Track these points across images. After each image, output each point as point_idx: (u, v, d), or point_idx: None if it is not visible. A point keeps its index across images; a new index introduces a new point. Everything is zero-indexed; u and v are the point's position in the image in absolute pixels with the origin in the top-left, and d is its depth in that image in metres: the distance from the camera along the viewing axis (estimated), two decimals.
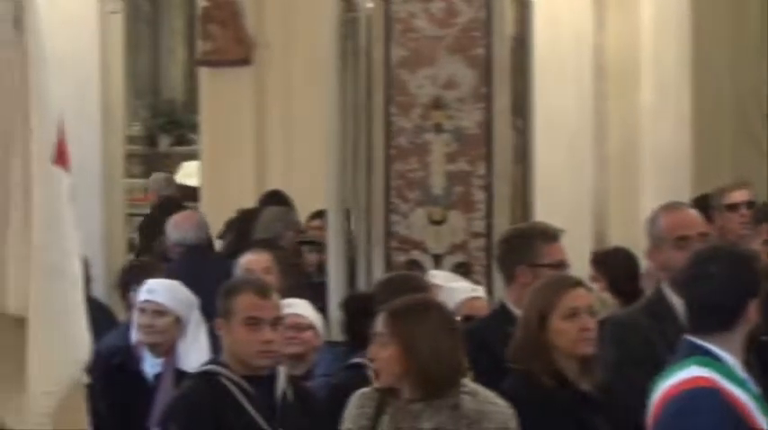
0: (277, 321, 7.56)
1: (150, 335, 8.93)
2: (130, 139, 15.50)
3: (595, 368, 7.03)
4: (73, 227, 5.52)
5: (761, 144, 12.28)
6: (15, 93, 5.28)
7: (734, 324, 5.70)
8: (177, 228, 12.38)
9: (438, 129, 9.81)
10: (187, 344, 9.04)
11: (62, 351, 5.35)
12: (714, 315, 5.77)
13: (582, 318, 6.98)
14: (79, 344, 5.49)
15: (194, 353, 8.85)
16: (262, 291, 7.70)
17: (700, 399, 5.66)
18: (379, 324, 6.58)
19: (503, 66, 9.67)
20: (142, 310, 8.97)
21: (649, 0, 11.00)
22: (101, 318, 10.40)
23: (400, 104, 9.90)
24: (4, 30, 5.38)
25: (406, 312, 6.67)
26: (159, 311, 8.84)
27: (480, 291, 8.75)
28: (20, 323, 5.31)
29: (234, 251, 11.79)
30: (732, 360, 5.68)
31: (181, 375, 8.66)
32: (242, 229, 13.32)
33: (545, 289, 7.22)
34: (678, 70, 11.25)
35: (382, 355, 6.49)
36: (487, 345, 6.77)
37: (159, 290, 8.94)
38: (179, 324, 8.99)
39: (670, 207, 8.58)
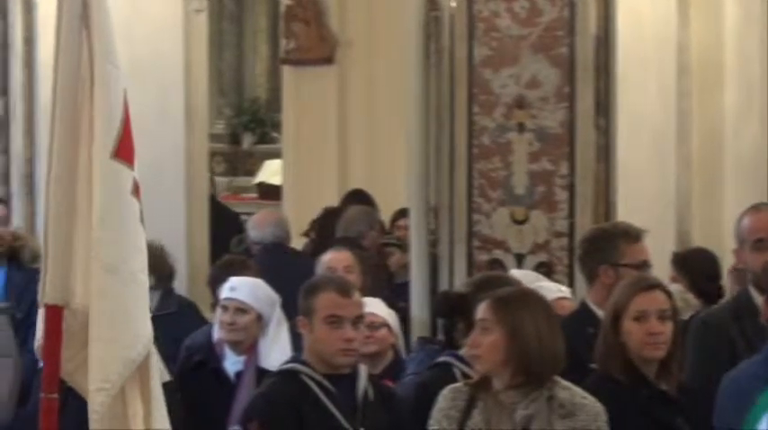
0: (358, 320, 7.60)
1: (232, 333, 8.96)
2: (214, 137, 15.62)
3: (674, 368, 7.03)
4: (136, 222, 5.51)
5: None
6: (73, 84, 5.31)
7: None
8: (256, 227, 12.44)
9: (521, 128, 9.82)
10: (268, 341, 9.04)
11: (115, 348, 5.36)
12: None
13: (650, 322, 6.97)
14: (133, 342, 5.48)
15: (275, 352, 8.87)
16: (343, 289, 7.73)
17: None
18: (482, 311, 6.63)
19: (586, 65, 9.67)
20: (224, 308, 9.01)
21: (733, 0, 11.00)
22: (188, 314, 10.48)
23: (483, 104, 9.91)
24: (71, 28, 5.41)
25: (510, 299, 6.74)
26: (241, 309, 8.86)
27: (567, 292, 8.73)
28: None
29: (316, 250, 11.83)
30: None
31: (262, 373, 8.62)
32: (325, 228, 13.36)
33: (621, 289, 7.24)
34: (763, 69, 11.22)
35: (485, 342, 6.53)
36: (569, 345, 6.71)
37: (241, 287, 8.98)
38: (260, 322, 8.99)
39: (755, 208, 8.56)
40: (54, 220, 5.31)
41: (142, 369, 5.44)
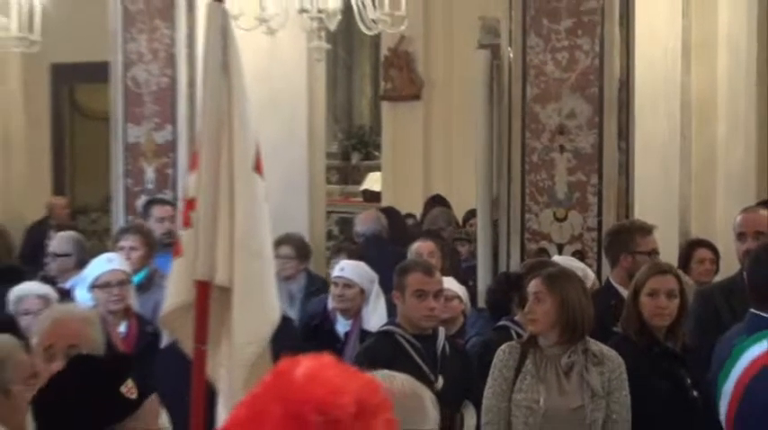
0: (439, 293, 7.65)
1: (341, 303, 8.98)
2: (330, 155, 15.64)
3: (679, 332, 7.08)
4: (267, 218, 5.61)
5: None
6: (217, 115, 5.39)
7: None
8: (361, 223, 12.45)
9: (561, 149, 9.83)
10: (369, 309, 9.08)
11: (258, 313, 5.45)
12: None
13: (659, 298, 6.99)
14: (271, 308, 5.59)
15: (375, 317, 8.90)
16: (428, 270, 7.82)
17: (757, 374, 5.54)
18: (536, 286, 6.76)
19: (611, 101, 9.67)
20: (335, 283, 9.06)
21: (725, 52, 10.94)
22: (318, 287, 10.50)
23: (533, 130, 9.94)
24: (215, 72, 5.49)
25: (558, 276, 6.88)
26: (348, 284, 8.92)
27: (590, 272, 8.69)
28: (224, 291, 5.41)
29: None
30: None
31: (364, 334, 8.74)
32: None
33: (641, 272, 7.29)
34: (748, 105, 11.19)
35: (540, 309, 6.65)
36: (597, 314, 6.78)
37: (348, 268, 9.06)
38: (363, 294, 9.01)
39: (744, 210, 8.61)
40: (204, 218, 5.39)
41: None
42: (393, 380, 3.69)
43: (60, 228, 12.32)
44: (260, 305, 5.47)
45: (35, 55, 14.54)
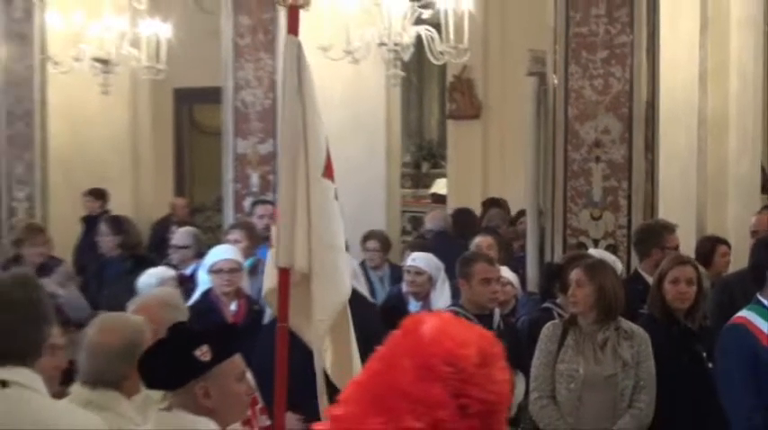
0: (498, 280, 7.81)
1: (413, 287, 8.97)
2: (404, 165, 15.62)
3: (698, 314, 7.09)
4: (338, 215, 5.65)
5: None
6: (294, 129, 5.42)
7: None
8: (430, 221, 12.45)
9: (597, 159, 9.80)
10: (437, 293, 9.01)
11: (331, 295, 5.47)
12: (760, 279, 5.88)
13: (679, 285, 6.98)
14: (341, 291, 5.60)
15: (441, 300, 8.87)
16: (490, 261, 7.98)
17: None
18: (577, 274, 6.79)
19: (639, 119, 9.64)
20: (408, 271, 9.09)
21: (735, 78, 10.82)
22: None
23: (573, 144, 9.91)
24: (291, 97, 5.52)
25: (596, 266, 6.92)
26: (419, 272, 8.93)
27: (619, 263, 8.63)
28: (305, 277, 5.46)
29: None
30: None
31: None
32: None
33: (665, 262, 7.30)
34: (756, 123, 11.14)
35: (581, 294, 6.67)
36: (626, 297, 6.81)
37: (418, 258, 9.07)
38: (431, 280, 8.99)
39: (760, 212, 8.98)
40: (284, 215, 5.46)
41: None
42: None
43: (181, 224, 12.40)
44: (332, 288, 5.50)
45: (161, 81, 14.65)
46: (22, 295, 3.78)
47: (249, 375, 4.59)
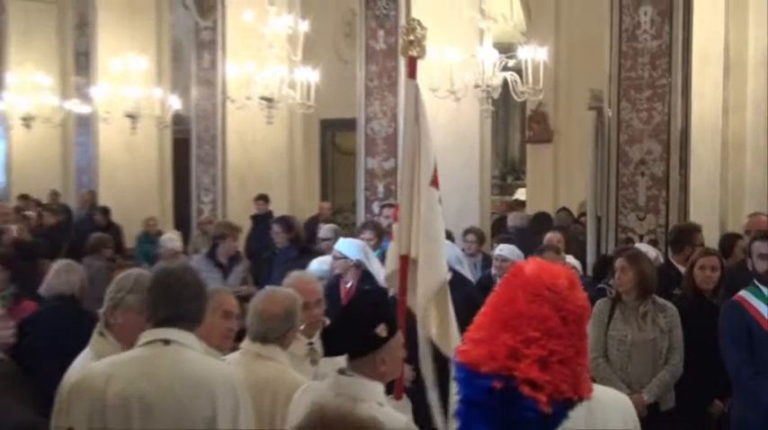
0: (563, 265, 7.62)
1: (499, 271, 8.76)
2: (493, 177, 15.59)
3: (719, 294, 6.99)
4: (441, 216, 5.54)
5: None
6: (412, 150, 5.42)
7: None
8: (512, 220, 12.42)
9: (642, 174, 9.71)
10: None
11: (434, 275, 5.40)
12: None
13: (705, 271, 6.95)
14: (441, 273, 5.52)
15: None
16: (557, 250, 7.99)
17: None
18: (621, 262, 6.69)
19: (675, 143, 9.53)
20: (496, 259, 8.88)
21: (752, 110, 10.67)
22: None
23: (624, 162, 9.81)
24: (411, 123, 5.53)
25: (637, 255, 6.82)
26: (504, 259, 8.79)
27: (659, 254, 8.55)
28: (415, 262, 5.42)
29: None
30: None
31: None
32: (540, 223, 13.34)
33: (696, 253, 7.23)
34: (766, 146, 10.95)
35: (625, 278, 6.57)
36: (661, 281, 6.82)
37: (504, 249, 8.97)
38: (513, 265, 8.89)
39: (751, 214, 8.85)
40: (402, 215, 5.47)
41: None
42: None
43: (325, 222, 12.50)
44: (434, 271, 5.44)
45: (310, 114, 14.80)
46: (191, 278, 3.84)
47: None
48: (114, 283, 4.30)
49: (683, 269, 7.53)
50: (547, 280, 2.43)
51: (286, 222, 11.51)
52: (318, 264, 8.49)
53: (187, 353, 3.69)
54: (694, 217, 9.42)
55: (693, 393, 6.60)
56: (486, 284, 9.07)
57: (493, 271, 9.18)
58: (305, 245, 11.33)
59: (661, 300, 6.67)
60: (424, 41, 5.75)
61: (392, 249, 5.66)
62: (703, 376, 6.53)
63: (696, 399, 6.66)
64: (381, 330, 3.67)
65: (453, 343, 5.09)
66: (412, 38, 5.81)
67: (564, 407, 2.40)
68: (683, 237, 8.26)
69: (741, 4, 10.37)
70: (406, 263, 5.41)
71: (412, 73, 5.71)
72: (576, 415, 2.61)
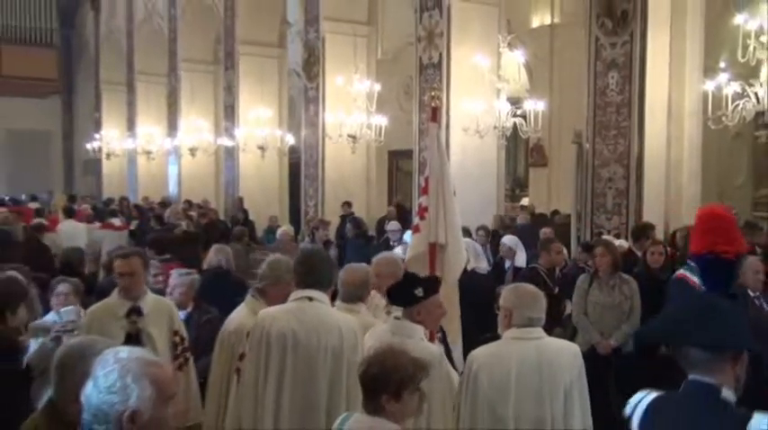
0: (560, 252, 7.51)
1: (507, 253, 8.64)
2: (506, 190, 15.41)
3: (665, 272, 6.80)
4: (459, 216, 5.33)
5: None
6: (438, 167, 5.30)
7: None
8: (519, 219, 12.25)
9: (610, 188, 9.62)
10: (518, 256, 8.56)
11: (458, 258, 5.24)
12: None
13: (654, 255, 6.85)
14: (463, 255, 5.37)
15: (520, 258, 8.52)
16: (556, 242, 7.64)
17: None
18: (600, 250, 6.54)
19: (632, 167, 9.39)
20: (501, 245, 8.64)
21: (686, 141, 10.46)
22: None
23: (597, 180, 9.76)
24: (436, 147, 5.42)
25: (610, 245, 6.69)
26: (511, 248, 8.56)
27: (625, 243, 8.18)
28: (442, 247, 5.21)
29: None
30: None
31: (517, 268, 8.30)
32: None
33: (648, 243, 7.04)
34: (696, 167, 10.67)
35: (603, 260, 6.43)
36: (624, 262, 6.64)
37: (507, 238, 8.51)
38: (511, 250, 8.54)
39: None
40: (431, 215, 5.25)
41: None
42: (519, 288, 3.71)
43: (391, 220, 12.47)
44: (459, 255, 5.29)
45: (381, 146, 14.85)
46: (326, 257, 3.97)
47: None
48: (268, 265, 4.41)
49: (640, 254, 7.36)
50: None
51: (355, 221, 11.91)
52: (401, 250, 8.31)
53: (323, 306, 3.77)
54: (646, 218, 9.18)
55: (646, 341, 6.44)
56: (498, 264, 8.97)
57: (501, 252, 9.00)
58: (369, 236, 11.71)
59: (625, 276, 6.50)
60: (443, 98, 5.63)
61: (417, 238, 5.43)
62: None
63: (648, 345, 6.50)
64: (419, 291, 3.70)
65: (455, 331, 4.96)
66: (433, 95, 6.25)
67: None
68: (641, 231, 8.07)
69: (680, 70, 10.13)
70: (434, 247, 5.22)
71: (435, 118, 5.66)
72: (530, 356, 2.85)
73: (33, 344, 4.56)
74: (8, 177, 27.17)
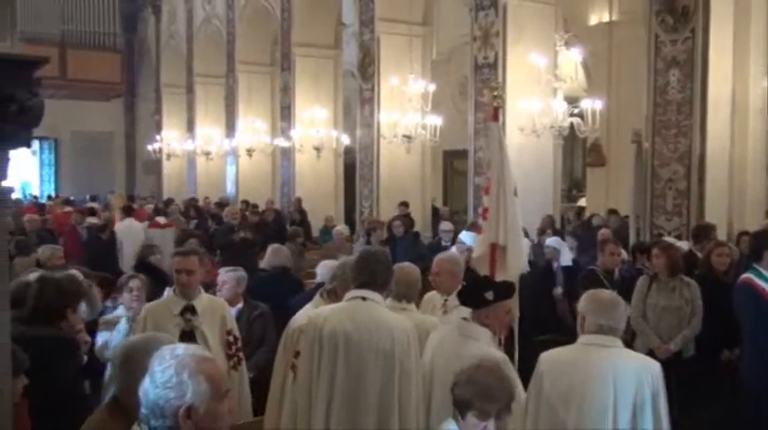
0: (619, 254, 7.31)
1: (553, 254, 8.40)
2: (562, 190, 15.17)
3: (730, 274, 6.55)
4: (519, 216, 5.31)
5: None
6: (499, 167, 5.25)
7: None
8: (595, 220, 12.06)
9: (670, 188, 9.39)
10: (563, 256, 8.34)
11: (517, 261, 5.20)
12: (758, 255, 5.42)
13: (722, 257, 6.56)
14: (524, 256, 5.35)
15: (564, 259, 8.33)
16: (616, 243, 7.42)
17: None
18: (656, 251, 6.38)
19: (694, 166, 9.12)
20: (546, 247, 8.41)
21: (751, 139, 10.14)
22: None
23: (656, 179, 9.53)
24: (497, 152, 5.38)
25: (668, 246, 6.49)
26: (556, 248, 8.33)
27: (685, 245, 7.96)
28: (503, 248, 5.19)
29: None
30: (765, 271, 5.26)
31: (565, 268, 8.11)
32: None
33: (712, 244, 6.86)
34: (762, 161, 10.34)
35: (658, 262, 6.27)
36: (685, 264, 6.46)
37: (550, 240, 8.38)
38: (556, 250, 8.30)
39: None
40: (491, 215, 5.26)
41: None
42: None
43: (446, 220, 12.41)
44: (519, 255, 5.26)
45: (436, 146, 14.79)
46: (382, 258, 3.91)
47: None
48: (339, 266, 4.55)
49: (701, 256, 7.13)
50: None
51: (407, 219, 12.16)
52: (456, 249, 8.15)
53: (376, 306, 3.76)
54: (708, 218, 8.92)
55: (708, 345, 6.24)
56: (548, 265, 8.58)
57: (547, 254, 8.68)
58: (417, 234, 11.84)
59: (687, 278, 6.30)
60: (504, 96, 5.68)
61: (481, 239, 5.42)
62: (716, 332, 6.18)
63: (710, 349, 6.29)
64: (489, 295, 3.71)
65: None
66: (495, 93, 6.19)
67: None
68: (703, 232, 7.83)
69: (743, 66, 9.84)
70: (494, 247, 5.21)
71: (495, 117, 5.67)
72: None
73: (101, 338, 4.69)
74: (73, 178, 27.96)
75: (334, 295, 4.40)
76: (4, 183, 2.59)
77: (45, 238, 10.41)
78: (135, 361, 2.38)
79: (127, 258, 10.74)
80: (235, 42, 20.33)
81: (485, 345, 3.61)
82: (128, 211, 12.86)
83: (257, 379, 4.89)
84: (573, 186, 19.50)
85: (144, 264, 6.89)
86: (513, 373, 3.71)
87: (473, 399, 2.76)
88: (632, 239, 9.98)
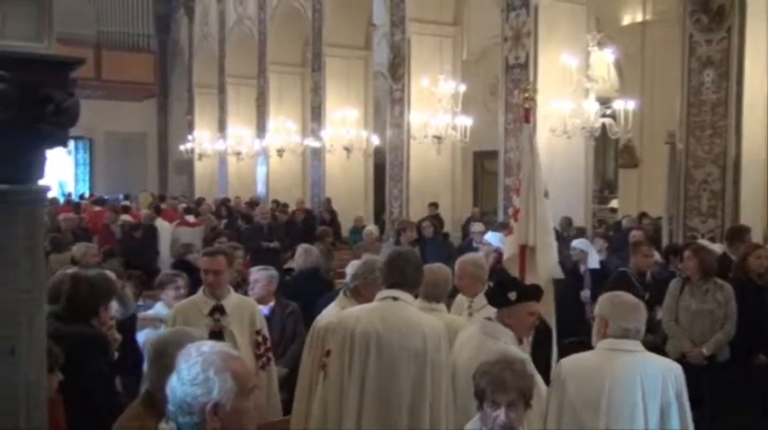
0: (652, 256, 7.16)
1: (580, 255, 8.14)
2: (594, 191, 15.07)
3: (766, 277, 6.49)
4: (550, 217, 5.32)
5: None
6: (530, 168, 5.25)
7: None
8: (626, 222, 11.94)
9: (705, 190, 9.25)
10: (590, 258, 8.06)
11: (546, 264, 5.18)
12: None
13: (761, 259, 6.49)
14: (554, 256, 5.30)
15: (591, 261, 8.06)
16: (649, 247, 7.26)
17: None
18: (687, 254, 6.30)
19: (729, 167, 9.01)
20: (573, 248, 8.19)
21: None
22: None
23: (690, 181, 9.35)
24: (528, 153, 5.37)
25: (700, 248, 6.37)
26: (583, 250, 8.07)
27: (719, 248, 7.85)
28: (533, 249, 5.20)
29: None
30: None
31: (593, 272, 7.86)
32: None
33: (749, 247, 6.70)
34: None
35: (690, 264, 6.18)
36: (719, 266, 6.35)
37: (577, 242, 8.15)
38: (583, 252, 8.05)
39: None
40: (522, 217, 5.25)
41: None
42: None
43: (476, 221, 12.38)
44: (549, 256, 5.24)
45: (466, 147, 14.74)
46: (413, 258, 3.92)
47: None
48: (363, 264, 4.54)
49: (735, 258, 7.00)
50: None
51: (436, 219, 12.13)
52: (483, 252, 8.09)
53: (408, 306, 3.77)
54: (743, 221, 8.75)
55: (742, 348, 6.16)
56: (575, 268, 8.43)
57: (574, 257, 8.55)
58: (446, 235, 11.88)
59: (720, 281, 6.21)
60: (535, 97, 5.71)
61: (510, 240, 5.44)
62: (750, 336, 6.09)
63: (744, 353, 6.19)
64: (512, 295, 3.71)
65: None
66: (526, 95, 6.18)
67: None
68: (737, 235, 7.72)
69: None
70: (524, 248, 5.22)
71: (527, 118, 5.70)
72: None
73: (141, 336, 4.76)
74: (107, 177, 28.37)
75: (357, 293, 4.40)
76: (41, 182, 2.63)
77: (80, 237, 10.54)
78: (167, 355, 2.38)
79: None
80: (266, 43, 20.48)
81: (506, 344, 3.61)
82: (156, 211, 12.98)
83: (293, 373, 4.93)
84: (605, 187, 19.34)
85: (182, 262, 6.95)
86: (533, 372, 3.72)
87: (486, 389, 2.81)
88: (665, 241, 9.87)
